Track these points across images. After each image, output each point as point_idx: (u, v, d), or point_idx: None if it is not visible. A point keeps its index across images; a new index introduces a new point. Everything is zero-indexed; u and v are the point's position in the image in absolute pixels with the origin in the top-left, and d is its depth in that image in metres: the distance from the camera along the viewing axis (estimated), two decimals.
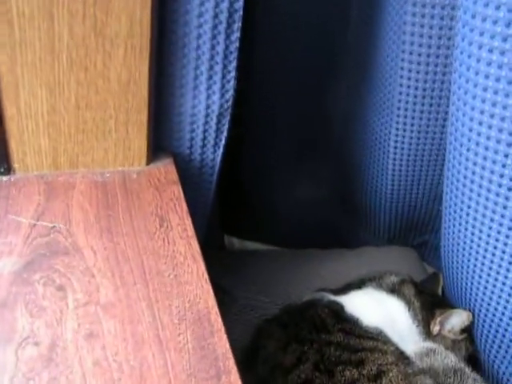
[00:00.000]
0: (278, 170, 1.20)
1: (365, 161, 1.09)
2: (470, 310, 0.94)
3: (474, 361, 0.99)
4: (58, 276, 0.58)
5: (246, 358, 0.92)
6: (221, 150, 0.80)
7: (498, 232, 0.79)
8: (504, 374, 0.92)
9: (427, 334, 0.95)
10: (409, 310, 0.95)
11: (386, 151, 1.02)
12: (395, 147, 1.00)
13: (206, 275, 0.60)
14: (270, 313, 1.03)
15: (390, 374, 0.80)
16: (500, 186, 0.75)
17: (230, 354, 0.53)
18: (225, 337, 0.55)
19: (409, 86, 0.90)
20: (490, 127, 0.71)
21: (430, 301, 0.99)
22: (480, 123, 0.71)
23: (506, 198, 0.76)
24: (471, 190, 0.79)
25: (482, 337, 0.94)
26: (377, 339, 0.86)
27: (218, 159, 0.80)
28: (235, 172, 1.16)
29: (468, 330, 0.98)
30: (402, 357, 0.84)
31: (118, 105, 0.69)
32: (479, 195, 0.79)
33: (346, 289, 0.98)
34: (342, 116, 1.09)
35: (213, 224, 1.17)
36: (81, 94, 0.67)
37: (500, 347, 0.91)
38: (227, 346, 0.54)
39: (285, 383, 0.82)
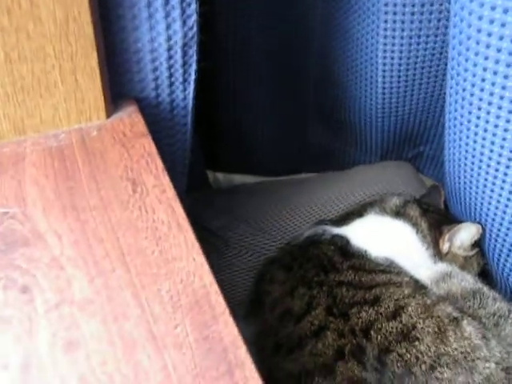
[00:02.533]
0: (255, 93, 1.06)
1: (350, 74, 0.95)
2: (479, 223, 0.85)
3: (485, 274, 0.91)
4: (19, 274, 0.46)
5: (251, 305, 0.84)
6: (191, 86, 0.66)
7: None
8: None
9: (438, 255, 0.87)
10: (417, 233, 0.86)
11: (374, 62, 0.89)
12: (384, 57, 0.87)
13: (196, 245, 0.49)
14: (267, 253, 0.93)
15: (409, 309, 0.71)
16: None
17: (239, 342, 0.43)
18: (231, 320, 0.44)
19: None
20: (501, 38, 0.58)
21: (436, 219, 0.90)
22: (489, 34, 0.59)
23: None
24: (481, 99, 0.68)
25: (495, 251, 0.86)
26: (389, 271, 0.77)
27: (190, 97, 0.67)
28: (209, 103, 1.03)
29: (478, 245, 0.89)
30: (418, 286, 0.76)
31: (59, 50, 0.54)
32: (490, 104, 0.67)
33: (347, 218, 0.88)
34: (321, 28, 0.94)
35: (194, 162, 1.05)
36: (9, 43, 0.52)
37: None
38: (235, 331, 0.43)
39: (297, 331, 0.73)
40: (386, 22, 0.81)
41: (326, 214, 0.97)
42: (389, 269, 0.77)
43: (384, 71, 0.88)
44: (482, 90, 0.67)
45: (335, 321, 0.72)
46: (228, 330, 0.43)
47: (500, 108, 0.67)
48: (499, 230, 0.82)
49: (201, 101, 0.73)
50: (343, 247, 0.79)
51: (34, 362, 0.41)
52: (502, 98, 0.66)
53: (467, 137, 0.75)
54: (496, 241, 0.84)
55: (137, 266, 0.47)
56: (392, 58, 0.86)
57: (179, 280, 0.46)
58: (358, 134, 1.05)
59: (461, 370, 0.68)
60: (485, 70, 0.65)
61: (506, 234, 0.81)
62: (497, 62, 0.63)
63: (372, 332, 0.70)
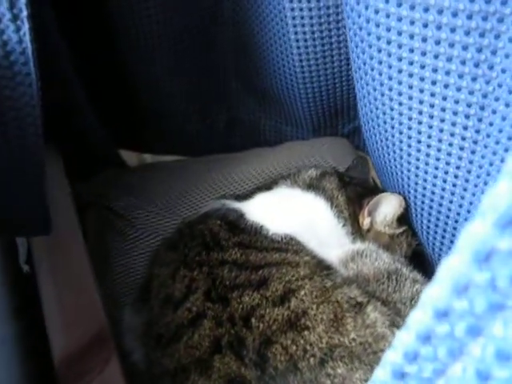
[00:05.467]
0: (174, 75, 0.90)
1: (264, 35, 0.80)
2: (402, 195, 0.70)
3: (420, 257, 0.76)
4: None
5: (140, 291, 0.70)
6: (26, 25, 0.51)
7: (420, 102, 0.55)
8: None
9: (358, 232, 0.71)
10: (331, 208, 0.71)
11: (283, 17, 0.74)
12: (292, 9, 0.72)
13: None
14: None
15: (302, 292, 0.56)
16: (412, 51, 0.51)
17: None
18: None
19: None
20: None
21: (359, 192, 0.75)
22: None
23: (422, 67, 0.52)
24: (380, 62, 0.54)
25: (423, 228, 0.70)
26: (286, 249, 0.62)
27: (27, 39, 0.52)
28: (127, 89, 0.89)
29: (408, 223, 0.74)
30: (319, 267, 0.61)
31: None
32: (390, 67, 0.54)
33: (253, 192, 0.74)
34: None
35: (100, 141, 0.90)
36: None
37: (444, 237, 0.68)
38: None
39: (175, 320, 0.59)
40: None
41: (242, 191, 0.82)
42: (286, 247, 0.62)
43: (295, 26, 0.73)
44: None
45: (213, 307, 0.57)
46: None
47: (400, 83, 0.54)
48: (423, 201, 0.67)
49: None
50: (233, 222, 0.64)
51: None
52: (400, 71, 0.53)
53: (384, 113, 0.61)
54: (422, 215, 0.69)
55: None
56: (301, 10, 0.71)
57: None
58: (284, 105, 0.90)
59: (358, 365, 0.52)
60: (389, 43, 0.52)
61: (431, 207, 0.66)
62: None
63: (253, 320, 0.55)
